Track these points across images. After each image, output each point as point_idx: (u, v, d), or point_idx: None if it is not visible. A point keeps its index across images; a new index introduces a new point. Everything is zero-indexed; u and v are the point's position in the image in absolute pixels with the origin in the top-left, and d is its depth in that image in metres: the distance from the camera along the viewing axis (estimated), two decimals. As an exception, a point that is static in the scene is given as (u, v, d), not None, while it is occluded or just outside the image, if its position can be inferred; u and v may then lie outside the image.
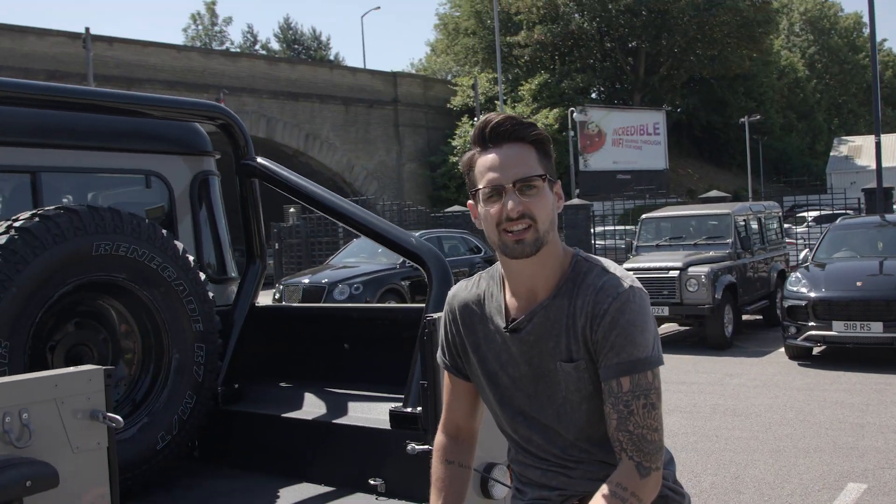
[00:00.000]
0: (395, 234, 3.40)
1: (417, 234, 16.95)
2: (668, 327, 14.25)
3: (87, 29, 27.54)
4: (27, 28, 28.73)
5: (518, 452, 2.11)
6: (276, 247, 23.40)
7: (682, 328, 13.94)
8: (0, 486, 1.66)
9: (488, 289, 2.07)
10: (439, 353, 2.21)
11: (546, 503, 2.06)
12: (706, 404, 8.85)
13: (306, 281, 15.31)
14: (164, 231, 3.30)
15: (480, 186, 1.91)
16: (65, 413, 1.84)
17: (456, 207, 25.90)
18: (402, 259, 15.58)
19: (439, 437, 2.26)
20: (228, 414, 3.64)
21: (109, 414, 1.88)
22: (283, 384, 3.85)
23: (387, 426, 3.02)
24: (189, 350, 3.34)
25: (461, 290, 2.13)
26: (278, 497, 3.17)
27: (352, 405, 3.41)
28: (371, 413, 3.22)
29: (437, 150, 40.83)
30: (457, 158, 39.08)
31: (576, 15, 45.48)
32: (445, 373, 2.19)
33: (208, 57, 35.84)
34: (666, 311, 12.26)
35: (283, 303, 15.13)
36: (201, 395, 3.38)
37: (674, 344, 13.23)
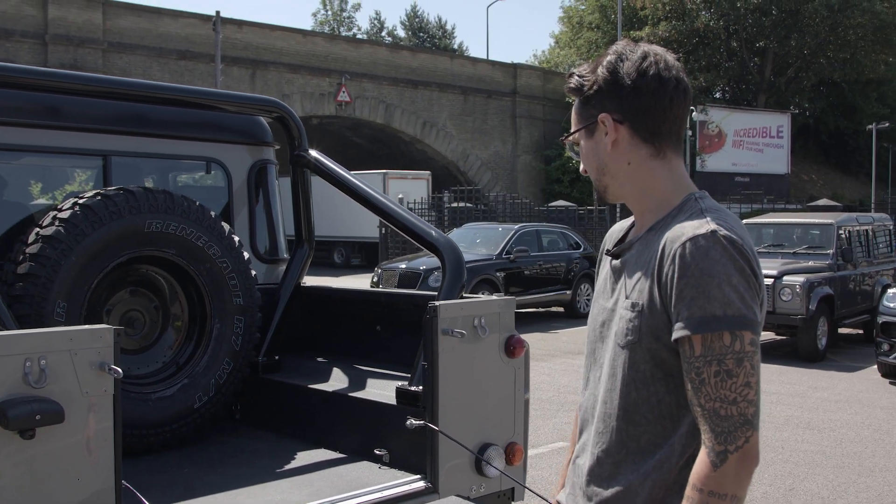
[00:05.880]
0: (419, 228, 3.73)
1: (517, 226, 17.28)
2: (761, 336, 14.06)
3: (218, 12, 28.73)
4: (162, 10, 30.13)
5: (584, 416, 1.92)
6: (382, 231, 24.02)
7: (777, 337, 13.75)
8: (14, 416, 2.04)
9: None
10: None
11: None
12: (781, 415, 8.79)
13: (403, 266, 15.71)
14: (211, 212, 3.68)
15: None
16: (77, 362, 2.20)
17: (560, 202, 25.93)
18: (499, 250, 16.09)
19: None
20: (267, 382, 4.00)
21: (112, 366, 2.22)
22: (319, 359, 4.19)
23: (393, 402, 3.31)
24: (229, 321, 3.71)
25: (619, 223, 2.02)
26: (294, 459, 3.51)
27: (371, 381, 3.72)
28: (385, 389, 3.51)
29: (553, 144, 40.78)
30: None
31: (702, 12, 44.48)
32: None
33: (332, 42, 36.75)
34: (758, 318, 12.13)
35: (381, 287, 15.58)
36: (238, 362, 3.75)
37: (764, 353, 13.04)
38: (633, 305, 1.71)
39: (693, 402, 1.63)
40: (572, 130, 1.87)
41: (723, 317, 1.59)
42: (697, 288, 1.60)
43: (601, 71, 1.80)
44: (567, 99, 41.29)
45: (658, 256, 1.68)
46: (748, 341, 1.61)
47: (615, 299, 1.80)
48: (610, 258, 1.87)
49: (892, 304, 10.73)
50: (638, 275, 1.74)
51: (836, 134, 52.36)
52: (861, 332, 14.41)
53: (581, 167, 1.91)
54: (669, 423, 1.71)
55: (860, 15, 42.54)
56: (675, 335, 1.63)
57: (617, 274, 1.82)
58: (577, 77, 1.85)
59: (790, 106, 48.10)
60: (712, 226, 1.65)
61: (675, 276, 1.62)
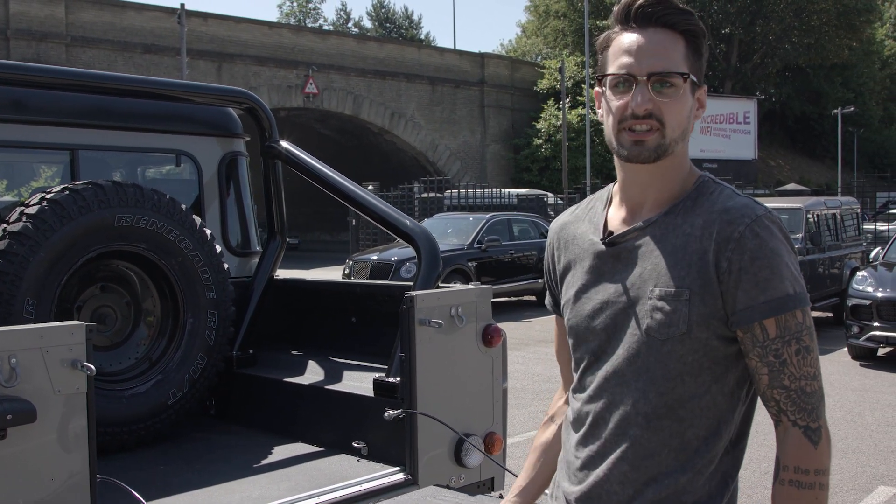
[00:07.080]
0: (393, 218, 3.70)
1: (488, 216, 17.28)
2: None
3: (183, 5, 28.39)
4: (127, 3, 29.75)
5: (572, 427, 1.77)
6: (353, 223, 23.93)
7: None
8: (-17, 417, 2.00)
9: (592, 205, 1.81)
10: (546, 297, 1.94)
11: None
12: (753, 398, 8.85)
13: (375, 258, 15.64)
14: (183, 206, 3.62)
15: (609, 71, 1.64)
16: (49, 360, 2.15)
17: (528, 190, 25.96)
18: (470, 240, 16.07)
19: (556, 397, 1.99)
20: (241, 377, 3.96)
21: (85, 363, 2.17)
22: (294, 352, 4.15)
23: (371, 394, 3.29)
24: (203, 315, 3.66)
25: (564, 214, 1.89)
26: (271, 454, 3.47)
27: (347, 373, 3.70)
28: (362, 381, 3.48)
29: (522, 133, 40.81)
30: (541, 141, 39.01)
31: (669, 0, 44.78)
32: (555, 320, 1.91)
33: (298, 34, 36.49)
34: (727, 304, 12.22)
35: (353, 279, 15.50)
36: (212, 357, 3.70)
37: (735, 337, 13.17)
38: (678, 294, 1.58)
39: (773, 386, 1.57)
40: (690, 75, 1.63)
41: (794, 295, 1.56)
42: (771, 269, 1.55)
43: (700, 31, 1.65)
44: (537, 87, 41.39)
45: (710, 240, 1.58)
46: (810, 315, 1.60)
47: (621, 290, 1.66)
48: (603, 246, 1.70)
49: (860, 287, 10.85)
50: (668, 261, 1.61)
51: (802, 119, 53.01)
52: (830, 315, 14.52)
53: (646, 105, 1.60)
54: (715, 413, 1.62)
55: (823, 0, 43.02)
56: (746, 320, 1.56)
57: (619, 262, 1.67)
58: (691, 20, 1.63)
59: (756, 92, 48.64)
60: (765, 205, 1.61)
61: (747, 258, 1.55)
